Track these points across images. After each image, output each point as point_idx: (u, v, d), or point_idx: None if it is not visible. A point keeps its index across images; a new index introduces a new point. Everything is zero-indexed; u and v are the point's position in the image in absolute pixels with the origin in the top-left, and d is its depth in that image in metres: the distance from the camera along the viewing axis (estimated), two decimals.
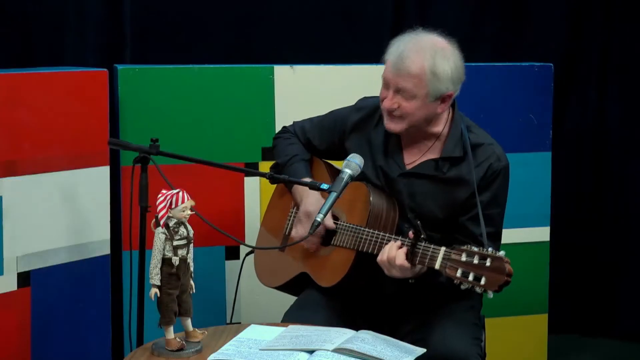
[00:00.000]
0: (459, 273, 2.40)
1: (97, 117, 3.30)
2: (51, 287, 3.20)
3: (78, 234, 3.27)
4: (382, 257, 2.60)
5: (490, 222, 2.70)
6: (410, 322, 2.80)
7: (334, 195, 2.58)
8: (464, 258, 2.40)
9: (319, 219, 2.56)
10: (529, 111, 3.81)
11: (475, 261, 2.38)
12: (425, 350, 2.39)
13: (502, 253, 2.37)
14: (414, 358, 2.32)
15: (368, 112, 2.88)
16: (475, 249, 2.40)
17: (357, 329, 2.49)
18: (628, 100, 4.53)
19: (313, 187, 2.69)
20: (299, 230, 2.86)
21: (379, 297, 2.84)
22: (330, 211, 2.60)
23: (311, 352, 2.29)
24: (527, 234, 3.85)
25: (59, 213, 3.22)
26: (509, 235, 3.73)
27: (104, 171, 3.35)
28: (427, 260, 2.51)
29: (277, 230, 3.03)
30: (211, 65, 3.54)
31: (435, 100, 2.69)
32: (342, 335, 2.38)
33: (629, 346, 4.48)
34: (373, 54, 3.29)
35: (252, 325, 2.54)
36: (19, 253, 3.10)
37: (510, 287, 3.77)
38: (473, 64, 3.74)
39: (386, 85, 2.72)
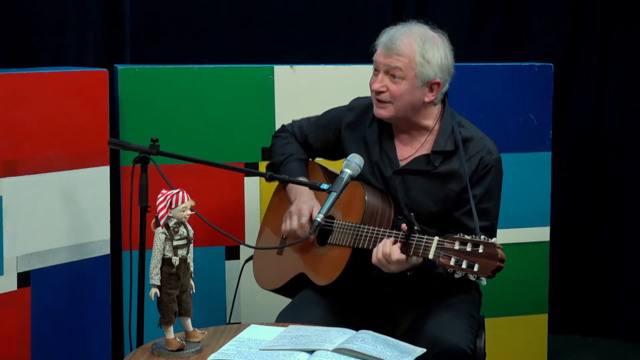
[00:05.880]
0: (452, 261, 2.42)
1: (97, 117, 3.30)
2: (51, 287, 3.20)
3: (78, 234, 3.27)
4: (377, 255, 2.60)
5: (485, 215, 2.72)
6: (407, 320, 2.80)
7: (334, 195, 2.58)
8: (457, 246, 2.42)
9: (319, 219, 2.57)
10: (529, 111, 3.82)
11: (468, 249, 2.40)
12: (425, 350, 2.39)
13: (494, 240, 2.39)
14: (414, 358, 2.33)
15: (361, 111, 2.90)
16: (468, 237, 2.42)
17: (352, 326, 2.49)
18: (627, 101, 4.53)
19: (313, 187, 2.69)
20: (287, 225, 2.86)
21: (376, 293, 2.85)
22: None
23: (311, 352, 2.29)
24: (527, 234, 3.85)
25: (59, 213, 3.22)
26: (509, 235, 3.75)
27: (104, 171, 3.34)
28: (421, 251, 2.52)
29: (275, 234, 3.03)
30: (211, 65, 3.54)
31: (423, 85, 2.73)
32: (342, 335, 2.38)
33: (629, 346, 4.48)
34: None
35: (252, 325, 2.54)
36: (19, 253, 3.10)
37: (510, 287, 3.83)
38: (473, 64, 3.76)
39: (376, 69, 2.77)
